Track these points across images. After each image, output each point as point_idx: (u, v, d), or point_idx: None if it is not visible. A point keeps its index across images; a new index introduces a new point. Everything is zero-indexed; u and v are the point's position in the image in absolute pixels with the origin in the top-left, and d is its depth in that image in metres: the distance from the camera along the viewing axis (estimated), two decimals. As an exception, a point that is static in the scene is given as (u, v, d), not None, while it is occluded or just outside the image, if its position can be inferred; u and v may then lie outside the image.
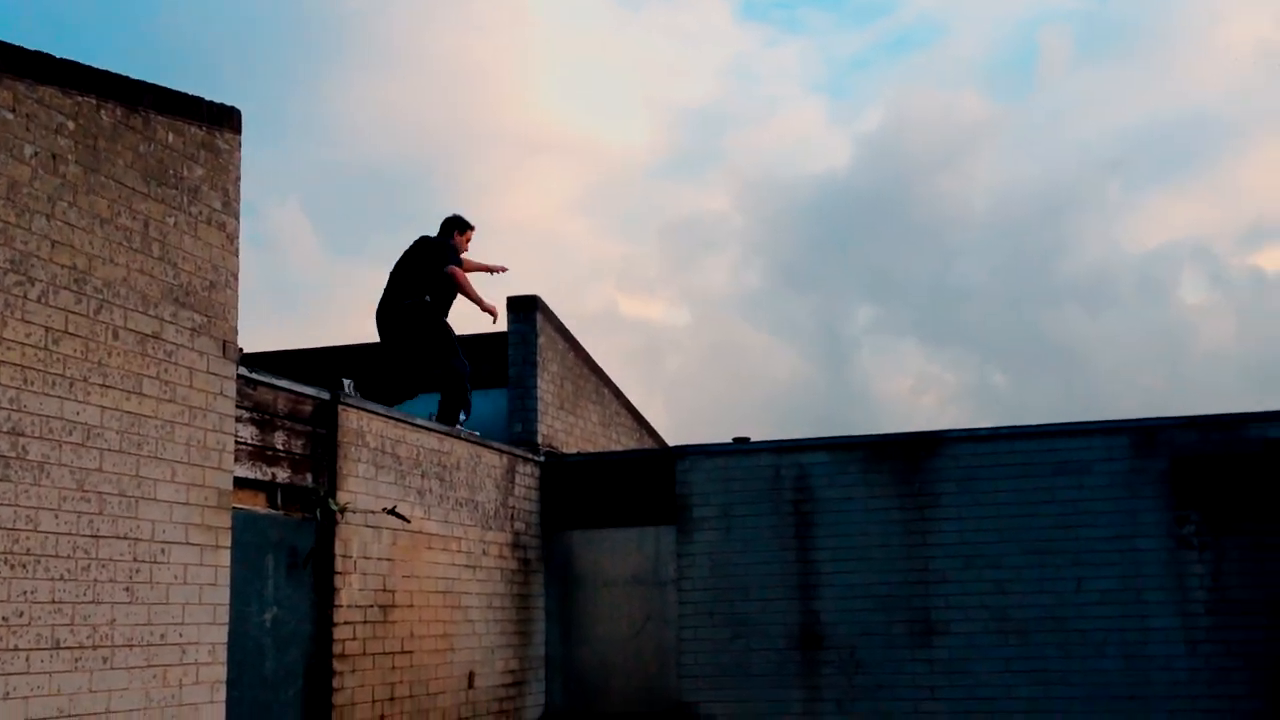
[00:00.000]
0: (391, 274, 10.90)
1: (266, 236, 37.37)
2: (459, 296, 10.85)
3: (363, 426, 8.64)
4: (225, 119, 7.21)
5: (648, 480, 11.40)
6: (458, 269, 10.83)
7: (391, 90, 38.07)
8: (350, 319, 38.21)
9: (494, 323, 11.05)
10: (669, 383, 35.17)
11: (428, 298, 10.70)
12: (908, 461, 10.81)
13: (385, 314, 10.80)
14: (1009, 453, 10.59)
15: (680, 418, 33.88)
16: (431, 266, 10.78)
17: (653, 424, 14.92)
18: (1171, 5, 37.90)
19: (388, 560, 8.84)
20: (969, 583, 10.49)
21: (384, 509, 8.71)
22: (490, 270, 11.50)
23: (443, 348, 10.73)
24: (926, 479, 10.75)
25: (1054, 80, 39.69)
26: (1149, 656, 10.05)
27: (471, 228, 11.24)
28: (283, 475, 7.83)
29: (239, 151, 7.30)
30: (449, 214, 11.16)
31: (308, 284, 38.11)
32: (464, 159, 40.15)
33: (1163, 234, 38.56)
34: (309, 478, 8.07)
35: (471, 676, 9.90)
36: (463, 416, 10.68)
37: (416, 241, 11.01)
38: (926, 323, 36.96)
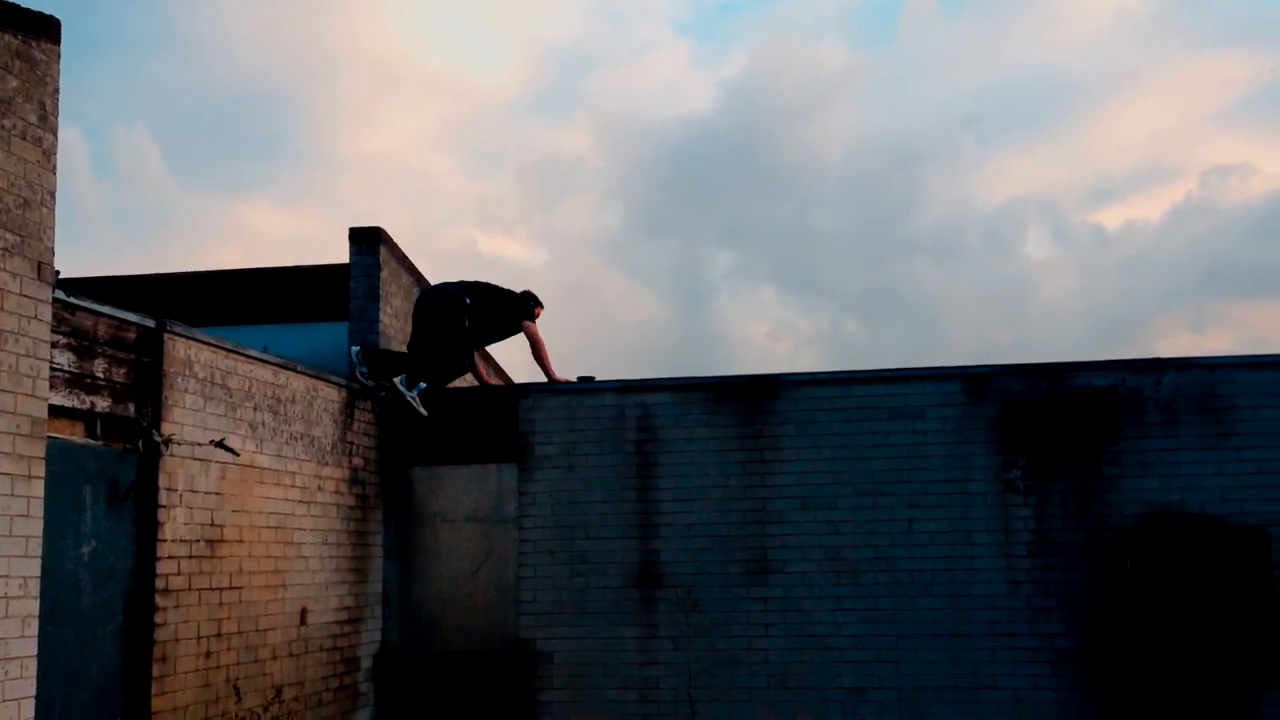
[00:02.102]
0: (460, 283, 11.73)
1: (112, 159, 35.95)
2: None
3: (191, 356, 8.35)
4: (43, 28, 6.83)
5: (491, 418, 11.30)
6: (533, 325, 11.73)
7: (252, 12, 36.83)
8: (197, 248, 37.10)
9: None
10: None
11: (468, 300, 11.48)
12: (750, 403, 10.91)
13: (429, 294, 11.65)
14: (846, 397, 10.77)
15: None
16: (503, 310, 11.70)
17: (510, 363, 14.84)
18: (1035, -37, 38.72)
19: (216, 494, 8.60)
20: (805, 523, 10.67)
21: (212, 441, 8.46)
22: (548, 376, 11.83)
23: (458, 347, 11.45)
24: (768, 421, 10.87)
25: (916, 33, 40.32)
26: (973, 596, 10.37)
27: (542, 305, 11.97)
28: (103, 405, 7.54)
29: (58, 63, 6.92)
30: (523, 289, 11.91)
31: (153, 210, 36.87)
32: (322, 87, 39.16)
33: (1011, 190, 39.67)
34: (131, 408, 7.78)
35: (304, 613, 9.74)
36: (422, 386, 11.28)
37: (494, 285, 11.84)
38: (783, 269, 37.48)
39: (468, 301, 11.52)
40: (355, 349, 11.24)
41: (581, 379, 11.56)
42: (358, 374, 11.06)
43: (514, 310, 11.81)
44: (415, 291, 12.34)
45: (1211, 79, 37.26)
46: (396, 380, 11.16)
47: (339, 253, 11.67)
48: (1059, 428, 10.42)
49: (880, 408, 10.72)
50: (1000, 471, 10.48)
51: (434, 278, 12.74)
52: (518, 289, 11.87)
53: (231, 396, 8.86)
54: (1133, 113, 38.56)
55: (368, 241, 11.58)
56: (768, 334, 36.92)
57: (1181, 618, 10.00)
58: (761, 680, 10.56)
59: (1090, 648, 10.18)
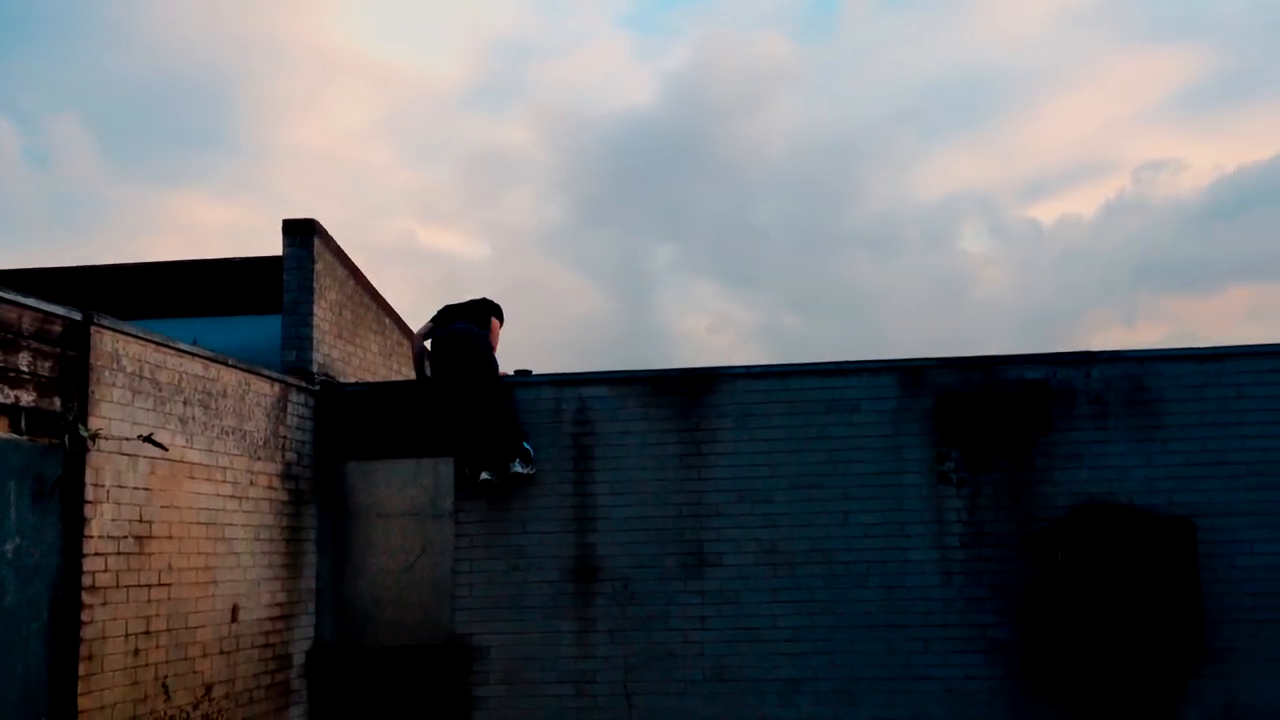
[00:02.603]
0: (446, 312, 11.41)
1: (44, 150, 35.32)
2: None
3: (118, 349, 8.21)
4: (-37, 14, 6.68)
5: (427, 411, 11.21)
6: (497, 324, 11.43)
7: (189, 0, 36.32)
8: (132, 240, 36.56)
9: None
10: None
11: (483, 332, 11.21)
12: (687, 397, 10.92)
13: (456, 342, 11.05)
14: (783, 390, 10.81)
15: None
16: (485, 322, 11.36)
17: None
18: (976, -43, 39.06)
19: (145, 490, 8.46)
20: (741, 516, 10.70)
21: (140, 436, 8.33)
22: None
23: (505, 404, 10.98)
24: (705, 414, 10.88)
25: (856, 27, 40.56)
26: (907, 587, 10.45)
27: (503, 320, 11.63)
28: (28, 399, 7.39)
29: (-21, 50, 6.78)
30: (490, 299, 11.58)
31: (87, 201, 36.29)
32: (259, 77, 38.71)
33: (948, 184, 40.06)
34: (58, 402, 7.64)
35: (235, 610, 9.62)
36: (528, 447, 10.91)
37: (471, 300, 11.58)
38: (724, 263, 37.62)
39: (483, 334, 11.26)
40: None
41: (519, 373, 11.51)
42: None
43: (485, 314, 11.52)
44: (350, 285, 12.23)
45: (1144, 75, 37.85)
46: (516, 467, 10.81)
47: (275, 245, 11.50)
48: (991, 420, 10.53)
49: (816, 400, 10.77)
50: (934, 464, 10.57)
51: (371, 272, 12.68)
52: (475, 294, 11.81)
53: (161, 390, 8.72)
54: (1067, 109, 39.09)
55: (302, 233, 11.44)
56: (709, 327, 37.05)
57: (1111, 607, 10.13)
58: (698, 673, 10.58)
59: (1022, 637, 10.30)
